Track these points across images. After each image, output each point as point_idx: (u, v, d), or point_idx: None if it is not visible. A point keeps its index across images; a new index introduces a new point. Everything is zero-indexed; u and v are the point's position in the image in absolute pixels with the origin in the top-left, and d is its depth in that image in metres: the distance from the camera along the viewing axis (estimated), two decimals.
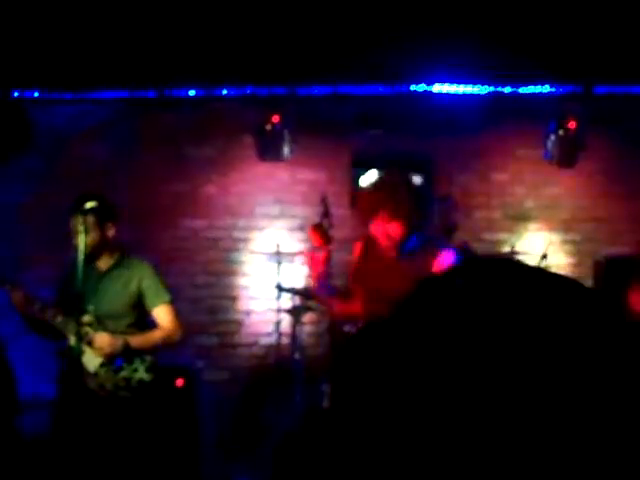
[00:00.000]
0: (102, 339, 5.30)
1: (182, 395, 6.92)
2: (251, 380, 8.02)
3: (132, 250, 5.85)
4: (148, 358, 5.53)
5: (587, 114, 7.97)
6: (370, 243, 5.26)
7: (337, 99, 7.90)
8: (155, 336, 5.53)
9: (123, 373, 5.44)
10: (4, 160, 7.78)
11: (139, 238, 7.37)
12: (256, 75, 7.69)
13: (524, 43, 7.09)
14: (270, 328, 7.97)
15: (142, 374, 5.49)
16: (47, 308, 5.46)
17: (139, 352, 5.47)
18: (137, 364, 5.48)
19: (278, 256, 7.95)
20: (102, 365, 5.35)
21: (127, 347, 5.39)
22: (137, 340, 5.46)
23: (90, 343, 5.31)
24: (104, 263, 5.43)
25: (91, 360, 5.34)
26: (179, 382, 6.90)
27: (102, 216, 5.35)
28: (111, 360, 5.40)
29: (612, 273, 7.77)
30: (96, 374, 5.32)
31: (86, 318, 5.37)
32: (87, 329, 5.35)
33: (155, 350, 5.57)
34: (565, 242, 8.31)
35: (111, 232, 5.42)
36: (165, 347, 5.60)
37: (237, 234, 8.25)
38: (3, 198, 7.94)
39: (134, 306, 5.53)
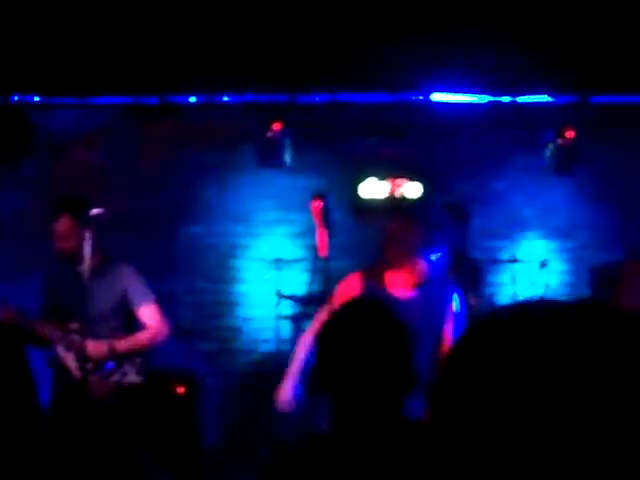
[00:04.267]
0: (88, 346, 5.29)
1: (183, 402, 6.93)
2: (250, 386, 8.04)
3: (132, 256, 5.85)
4: (137, 360, 5.53)
5: (584, 123, 8.02)
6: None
7: (337, 107, 7.93)
8: (141, 337, 5.53)
9: (113, 377, 5.45)
10: (3, 164, 7.77)
11: (138, 244, 7.37)
12: (256, 83, 7.71)
13: (522, 53, 7.13)
14: (270, 335, 7.99)
15: (132, 377, 5.50)
16: (34, 318, 5.47)
17: (128, 355, 5.48)
18: (126, 367, 5.48)
19: (278, 262, 7.98)
20: (92, 371, 5.35)
21: (114, 351, 5.39)
22: (124, 343, 5.46)
23: (78, 350, 5.29)
24: (87, 267, 5.37)
25: (80, 367, 5.32)
26: (180, 390, 6.89)
27: (89, 219, 5.31)
28: (100, 365, 5.40)
29: (609, 280, 7.82)
30: (86, 380, 5.30)
31: (73, 325, 5.35)
32: (74, 336, 5.34)
33: (143, 351, 5.57)
34: (563, 249, 8.35)
35: (94, 236, 5.35)
36: (153, 347, 5.61)
37: (237, 240, 8.28)
38: (2, 203, 7.94)
39: (120, 308, 5.52)
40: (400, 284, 4.93)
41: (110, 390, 5.43)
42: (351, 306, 2.82)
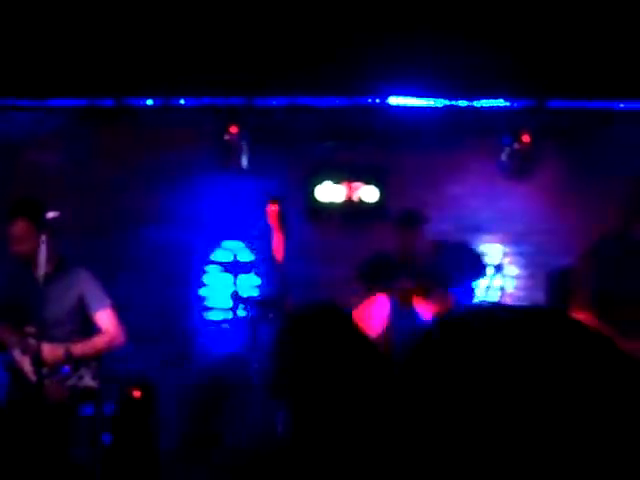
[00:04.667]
0: (45, 349, 5.25)
1: (139, 405, 6.90)
2: (207, 390, 8.02)
3: (88, 259, 5.82)
4: (93, 364, 5.51)
5: (541, 128, 8.08)
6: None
7: (295, 110, 7.93)
8: (98, 342, 5.51)
9: (69, 381, 5.42)
10: None
11: (94, 247, 7.34)
12: (213, 85, 7.70)
13: (479, 58, 7.17)
14: (226, 338, 7.98)
15: (88, 381, 5.47)
16: None
17: (84, 359, 5.45)
18: (82, 371, 5.46)
19: (234, 266, 7.97)
20: (47, 375, 5.31)
21: (70, 355, 5.36)
22: (80, 347, 5.43)
23: (34, 354, 5.25)
24: (43, 271, 5.34)
25: (36, 371, 5.28)
26: (136, 393, 6.87)
27: (45, 223, 5.29)
28: (56, 369, 5.37)
29: (564, 285, 7.87)
30: (43, 384, 5.27)
31: (29, 329, 5.32)
32: (31, 340, 5.30)
33: (99, 355, 5.55)
34: (518, 254, 8.40)
35: (50, 239, 5.33)
36: (109, 351, 5.60)
37: (193, 243, 8.25)
38: None
39: (76, 312, 5.50)
40: (425, 310, 5.05)
41: (66, 394, 5.40)
42: (310, 315, 2.81)
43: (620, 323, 5.01)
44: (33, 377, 5.30)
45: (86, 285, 5.56)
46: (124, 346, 5.71)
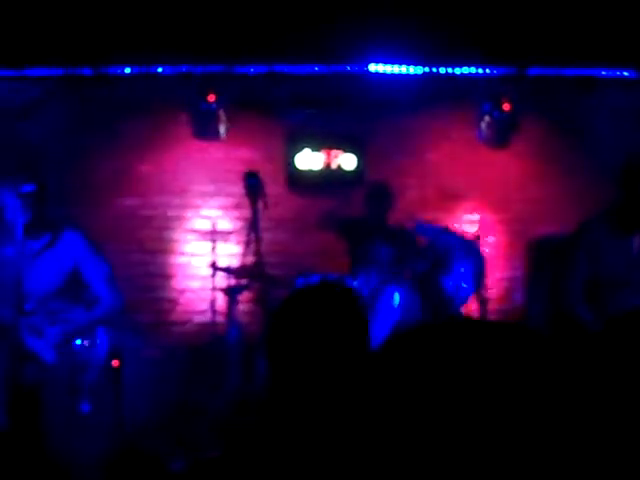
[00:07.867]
0: (53, 329, 5.26)
1: (118, 375, 6.91)
2: (186, 358, 8.03)
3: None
4: (101, 331, 5.52)
5: (521, 96, 8.06)
6: None
7: (273, 78, 7.90)
8: (100, 310, 5.52)
9: (83, 353, 5.42)
10: None
11: (73, 216, 7.31)
12: (192, 54, 7.66)
13: (459, 24, 7.14)
14: (205, 306, 7.99)
15: (101, 348, 5.48)
16: None
17: (92, 328, 5.46)
18: (94, 340, 5.47)
19: (213, 235, 7.96)
20: (60, 352, 5.31)
21: (78, 329, 5.37)
22: (86, 318, 5.44)
23: (41, 334, 5.25)
24: (37, 242, 5.34)
25: (47, 350, 5.28)
26: (115, 363, 6.87)
27: (37, 193, 5.26)
28: (67, 344, 5.36)
29: (544, 252, 7.89)
30: (56, 361, 5.27)
31: (30, 306, 5.30)
32: (34, 320, 5.28)
33: (102, 323, 5.55)
34: (498, 222, 8.40)
35: (43, 209, 5.32)
36: (109, 318, 5.60)
37: (172, 212, 8.24)
38: None
39: (72, 281, 5.49)
40: None
41: (82, 366, 5.39)
42: (307, 286, 2.81)
43: (609, 306, 5.04)
44: (48, 357, 5.30)
45: (81, 251, 5.53)
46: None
